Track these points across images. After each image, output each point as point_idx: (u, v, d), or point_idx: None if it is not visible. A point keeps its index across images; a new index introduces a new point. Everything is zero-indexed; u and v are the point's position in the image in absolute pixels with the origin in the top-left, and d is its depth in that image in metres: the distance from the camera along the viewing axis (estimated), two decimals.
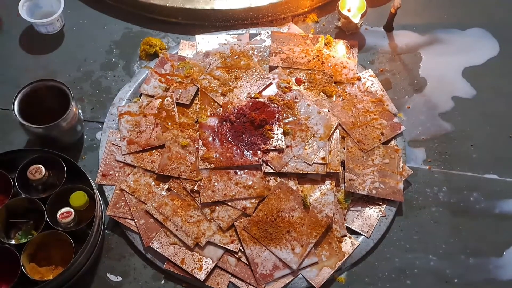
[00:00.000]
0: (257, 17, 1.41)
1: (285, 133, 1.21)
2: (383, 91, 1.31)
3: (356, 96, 1.29)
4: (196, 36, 1.38)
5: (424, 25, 1.43)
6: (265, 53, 1.35)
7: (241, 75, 1.30)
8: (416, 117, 1.31)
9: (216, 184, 1.15)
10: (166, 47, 1.38)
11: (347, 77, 1.32)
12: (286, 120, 1.23)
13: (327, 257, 1.12)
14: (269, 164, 1.18)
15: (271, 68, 1.32)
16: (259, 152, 1.19)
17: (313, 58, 1.33)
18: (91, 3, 1.45)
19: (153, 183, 1.18)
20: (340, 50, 1.37)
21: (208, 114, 1.25)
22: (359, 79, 1.32)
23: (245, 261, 1.11)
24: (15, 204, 1.08)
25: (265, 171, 1.17)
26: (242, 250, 1.11)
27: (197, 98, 1.28)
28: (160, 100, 1.27)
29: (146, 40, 1.37)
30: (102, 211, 1.13)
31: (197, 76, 1.30)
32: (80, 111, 1.22)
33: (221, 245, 1.11)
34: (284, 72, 1.31)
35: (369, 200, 1.18)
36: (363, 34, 1.42)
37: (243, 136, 1.21)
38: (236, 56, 1.33)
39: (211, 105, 1.27)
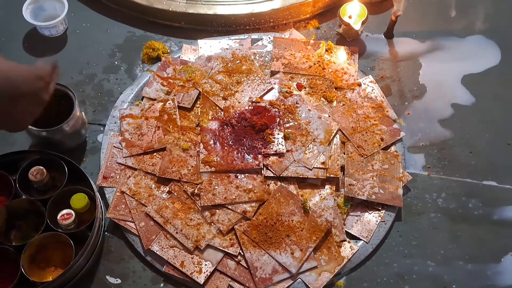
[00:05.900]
0: (259, 22, 1.42)
1: (285, 138, 1.22)
2: (383, 97, 1.32)
3: (356, 101, 1.30)
4: (199, 41, 1.39)
5: (424, 33, 1.44)
6: (266, 58, 1.36)
7: (242, 79, 1.31)
8: (416, 124, 1.31)
9: (216, 187, 1.16)
10: (168, 51, 1.39)
11: (347, 83, 1.33)
12: (287, 125, 1.24)
13: (326, 262, 1.12)
14: (269, 168, 1.18)
15: (273, 73, 1.33)
16: (259, 156, 1.19)
17: (314, 64, 1.34)
18: (94, 6, 1.46)
19: (153, 186, 1.18)
20: (341, 56, 1.38)
21: (210, 117, 1.26)
22: (359, 85, 1.33)
23: (245, 265, 1.11)
24: (16, 205, 1.09)
25: (266, 175, 1.18)
26: (242, 253, 1.12)
27: (198, 102, 1.29)
28: (162, 103, 1.27)
29: (148, 44, 1.38)
30: (102, 213, 1.13)
31: (199, 80, 1.31)
32: (84, 114, 1.22)
33: (221, 248, 1.12)
34: (285, 77, 1.32)
35: (368, 205, 1.19)
36: (364, 40, 1.43)
37: (244, 140, 1.21)
38: (238, 61, 1.34)
39: (212, 109, 1.27)
